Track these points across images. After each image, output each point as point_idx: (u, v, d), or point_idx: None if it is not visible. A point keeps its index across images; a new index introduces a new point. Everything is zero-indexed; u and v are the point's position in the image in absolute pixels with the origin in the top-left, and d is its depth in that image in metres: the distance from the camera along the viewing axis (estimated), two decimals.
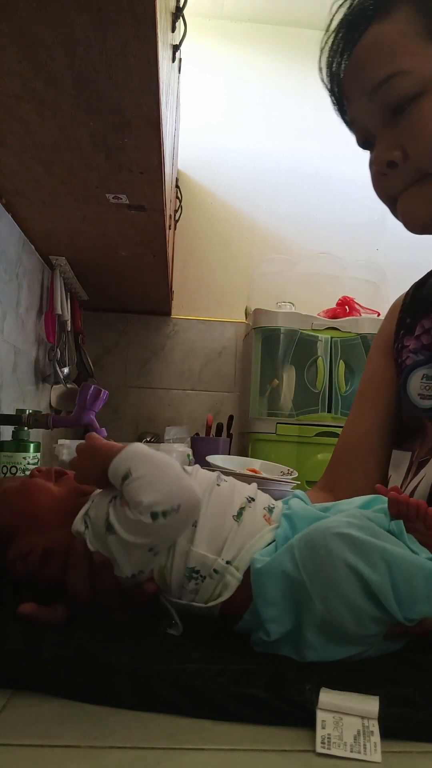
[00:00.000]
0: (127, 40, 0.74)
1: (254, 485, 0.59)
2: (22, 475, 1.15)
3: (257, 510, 0.55)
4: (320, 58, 0.69)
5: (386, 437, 0.82)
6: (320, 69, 0.70)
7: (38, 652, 0.46)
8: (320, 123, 2.61)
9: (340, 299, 2.27)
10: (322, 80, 0.71)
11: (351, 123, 0.71)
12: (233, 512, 0.54)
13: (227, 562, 0.51)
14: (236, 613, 0.51)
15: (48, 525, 0.55)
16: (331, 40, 0.68)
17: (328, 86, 0.71)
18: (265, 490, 0.59)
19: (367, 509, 0.54)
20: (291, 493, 0.61)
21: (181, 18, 1.07)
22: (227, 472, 1.10)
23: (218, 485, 0.56)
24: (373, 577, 0.45)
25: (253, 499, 0.56)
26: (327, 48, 0.69)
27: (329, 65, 0.69)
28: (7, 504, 0.57)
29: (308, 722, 0.41)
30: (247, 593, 0.50)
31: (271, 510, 0.56)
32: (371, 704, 0.41)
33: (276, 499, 0.59)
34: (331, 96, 0.71)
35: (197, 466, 0.60)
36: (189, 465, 0.58)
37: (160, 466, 0.51)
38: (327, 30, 0.68)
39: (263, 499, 0.58)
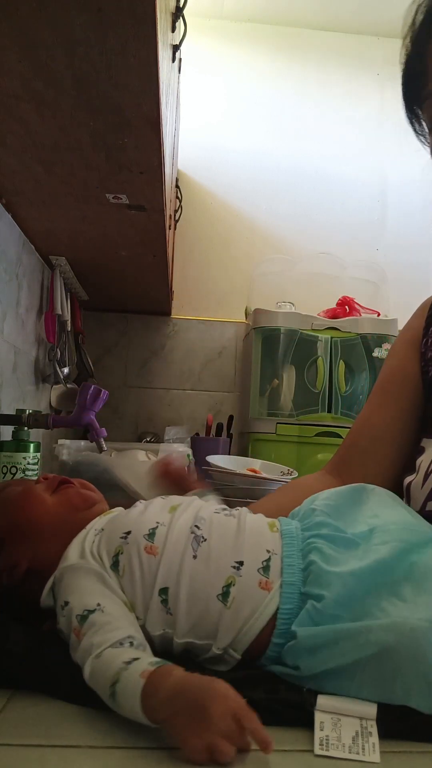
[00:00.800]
0: (127, 40, 0.74)
1: (243, 513, 0.53)
2: (22, 475, 1.15)
3: (250, 578, 0.47)
4: (414, 17, 0.67)
5: (404, 431, 0.81)
6: (405, 32, 0.68)
7: (38, 652, 0.46)
8: (320, 123, 2.62)
9: (340, 299, 2.27)
10: (407, 44, 0.68)
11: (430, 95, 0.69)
12: (217, 591, 0.46)
13: (223, 648, 0.46)
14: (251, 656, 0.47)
15: (35, 539, 0.54)
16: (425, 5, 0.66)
17: (411, 49, 0.68)
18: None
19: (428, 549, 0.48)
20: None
21: (181, 18, 1.07)
22: (227, 473, 1.10)
23: (194, 556, 0.48)
24: None
25: (241, 564, 0.47)
26: (422, 10, 0.67)
27: (422, 27, 0.67)
28: None
29: (308, 723, 0.41)
30: (263, 637, 0.46)
31: (267, 569, 0.48)
32: (369, 705, 0.41)
33: None
34: (407, 65, 0.69)
35: (176, 516, 0.52)
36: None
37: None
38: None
39: (256, 551, 0.48)
